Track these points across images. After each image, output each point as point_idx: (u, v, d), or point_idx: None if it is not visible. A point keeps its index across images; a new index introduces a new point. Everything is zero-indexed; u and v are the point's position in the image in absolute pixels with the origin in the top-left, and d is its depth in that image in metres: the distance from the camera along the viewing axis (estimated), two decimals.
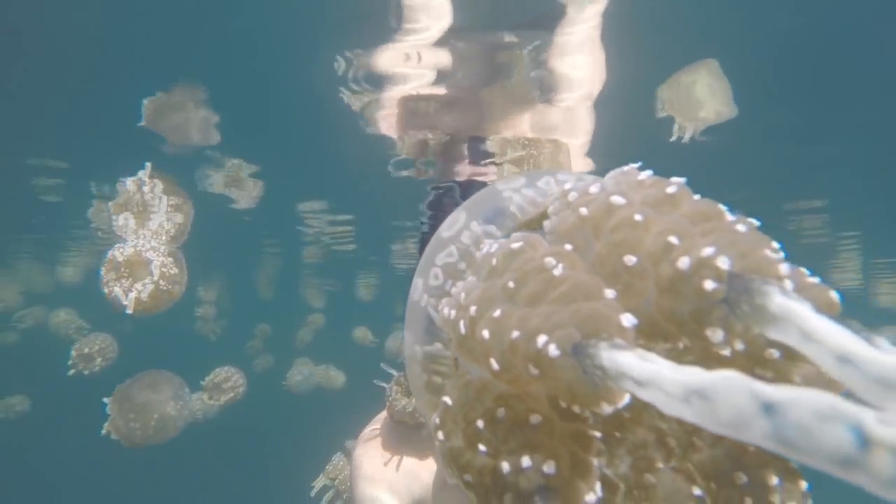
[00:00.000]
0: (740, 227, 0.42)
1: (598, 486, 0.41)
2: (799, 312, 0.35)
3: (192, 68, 3.18)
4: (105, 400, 2.58)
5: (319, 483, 3.32)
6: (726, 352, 0.40)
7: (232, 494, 14.98)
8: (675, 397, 0.33)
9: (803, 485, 0.46)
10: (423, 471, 2.11)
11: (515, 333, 0.39)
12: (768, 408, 0.30)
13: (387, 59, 2.94)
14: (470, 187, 3.82)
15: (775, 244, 0.44)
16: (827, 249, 8.67)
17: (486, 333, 0.41)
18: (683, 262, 0.39)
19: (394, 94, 3.32)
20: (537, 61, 2.86)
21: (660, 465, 0.47)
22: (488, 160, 4.25)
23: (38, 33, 2.97)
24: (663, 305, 0.39)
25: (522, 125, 3.70)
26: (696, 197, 0.49)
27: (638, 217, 0.41)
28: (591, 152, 4.07)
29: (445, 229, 0.69)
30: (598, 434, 0.43)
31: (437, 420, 0.48)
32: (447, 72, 3.03)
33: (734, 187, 5.67)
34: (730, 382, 0.31)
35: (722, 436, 0.36)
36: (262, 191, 5.91)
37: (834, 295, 0.45)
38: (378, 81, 3.19)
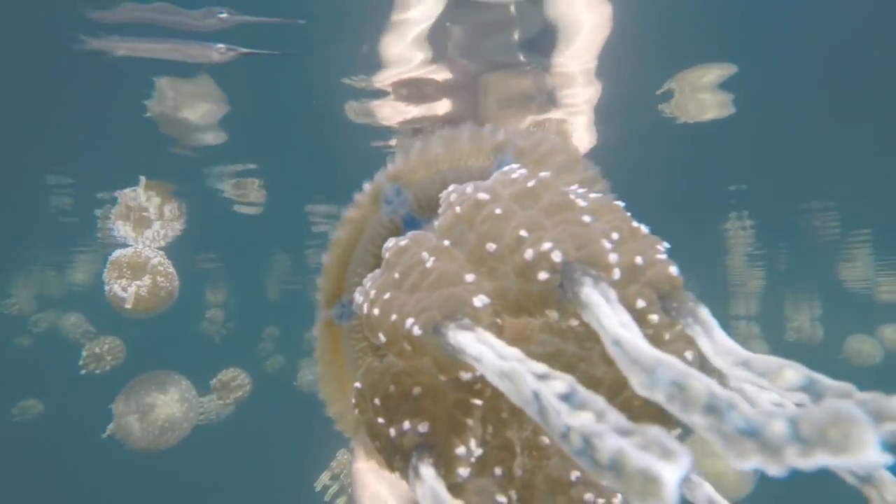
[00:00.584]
0: (586, 218, 0.48)
1: (472, 442, 0.49)
2: (595, 302, 0.42)
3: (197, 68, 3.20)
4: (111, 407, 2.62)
5: (324, 478, 3.32)
6: (573, 324, 0.48)
7: (242, 492, 15.06)
8: (493, 374, 0.40)
9: (678, 432, 0.55)
10: None
11: (394, 316, 0.47)
12: (536, 393, 0.38)
13: (385, 42, 2.92)
14: None
15: (614, 236, 0.49)
16: (839, 245, 8.57)
17: (376, 312, 0.50)
18: (528, 254, 0.46)
19: (391, 76, 3.30)
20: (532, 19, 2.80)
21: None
22: None
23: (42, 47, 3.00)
24: (520, 288, 0.47)
25: (523, 111, 3.66)
26: (572, 187, 0.56)
27: (498, 210, 0.49)
28: (591, 127, 4.00)
29: None
30: (479, 402, 0.51)
31: (353, 400, 0.56)
32: (445, 53, 3.01)
33: (742, 179, 5.61)
34: (517, 369, 0.39)
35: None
36: (265, 196, 5.94)
37: (671, 270, 0.51)
38: (375, 66, 3.17)
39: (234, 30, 2.66)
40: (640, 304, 0.48)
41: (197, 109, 3.72)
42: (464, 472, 0.49)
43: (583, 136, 4.10)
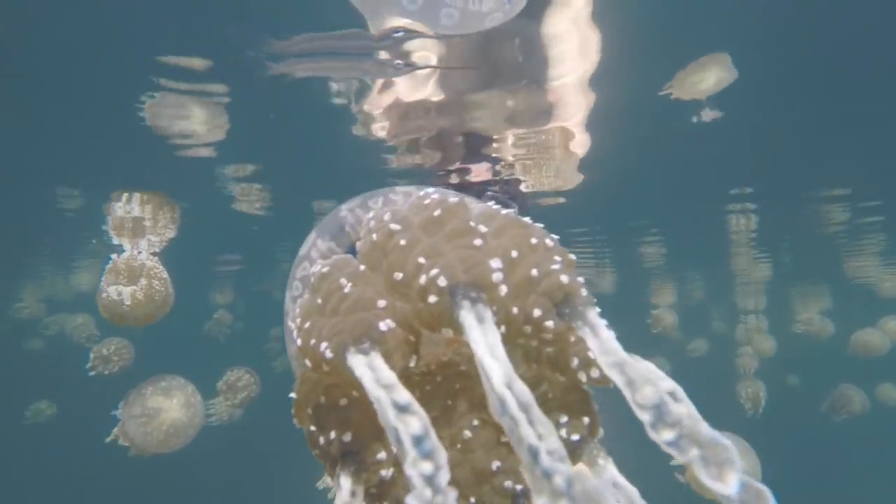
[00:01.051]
0: (477, 242, 0.53)
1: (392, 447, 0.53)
2: (468, 325, 0.48)
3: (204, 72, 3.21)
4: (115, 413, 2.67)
5: (327, 478, 3.35)
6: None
7: (252, 491, 15.16)
8: (371, 397, 0.47)
9: (586, 420, 0.60)
10: None
11: (313, 341, 0.53)
12: (395, 429, 0.46)
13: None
14: (463, 188, 3.82)
15: (513, 253, 0.54)
16: (852, 237, 8.49)
17: (299, 342, 0.55)
18: (422, 280, 0.52)
19: (383, 100, 3.32)
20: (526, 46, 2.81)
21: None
22: (484, 160, 4.20)
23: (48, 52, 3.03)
24: (423, 309, 0.52)
25: (515, 118, 3.65)
26: (478, 207, 0.61)
27: (403, 242, 0.54)
28: (590, 127, 3.97)
29: (301, 247, 0.81)
30: None
31: (293, 411, 0.61)
32: (437, 75, 3.02)
33: (750, 172, 5.57)
34: (383, 400, 0.47)
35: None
36: (268, 199, 5.96)
37: (562, 279, 0.55)
38: (366, 89, 3.19)
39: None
40: (537, 312, 0.53)
41: (196, 118, 3.74)
42: (386, 472, 0.55)
43: (581, 139, 4.10)
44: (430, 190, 0.63)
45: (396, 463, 0.55)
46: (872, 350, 8.91)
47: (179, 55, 2.96)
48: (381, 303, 0.53)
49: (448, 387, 0.59)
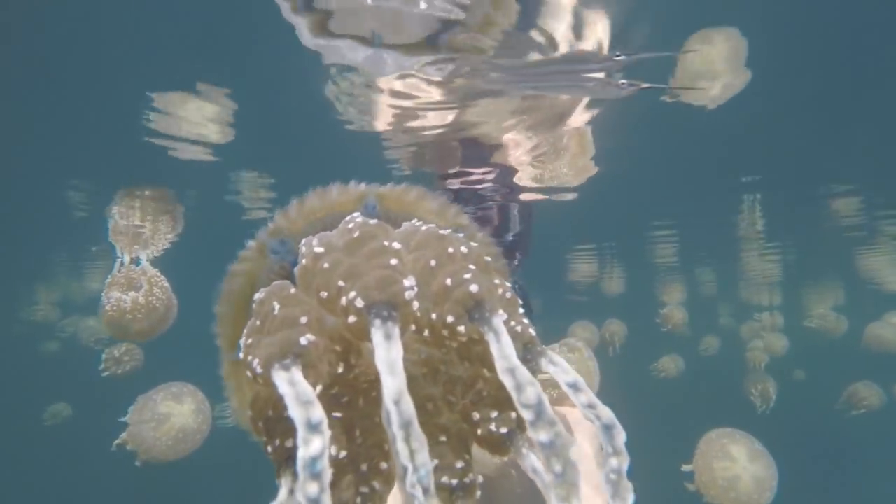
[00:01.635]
0: (393, 262, 0.61)
1: (332, 448, 0.62)
2: (376, 341, 0.56)
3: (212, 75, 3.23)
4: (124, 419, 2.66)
5: None
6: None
7: (262, 488, 15.25)
8: (290, 412, 0.54)
9: (513, 415, 0.65)
10: None
11: (249, 358, 0.59)
12: (310, 427, 0.54)
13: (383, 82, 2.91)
14: (462, 193, 3.78)
15: (432, 263, 0.62)
16: (867, 233, 8.38)
17: (240, 355, 0.62)
18: (343, 301, 0.60)
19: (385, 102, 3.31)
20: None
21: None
22: (483, 166, 4.14)
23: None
24: (348, 326, 0.60)
25: (517, 122, 3.61)
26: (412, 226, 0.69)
27: (326, 265, 0.62)
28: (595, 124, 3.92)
29: None
30: (339, 414, 0.65)
31: (249, 426, 0.68)
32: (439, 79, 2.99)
33: (760, 165, 5.49)
34: (298, 418, 0.53)
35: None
36: (274, 198, 5.98)
37: (472, 288, 0.61)
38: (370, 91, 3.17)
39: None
40: (450, 319, 0.61)
41: (200, 122, 3.76)
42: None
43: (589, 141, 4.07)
44: (356, 215, 0.70)
45: (333, 463, 0.63)
46: (885, 344, 8.78)
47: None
48: (304, 319, 0.60)
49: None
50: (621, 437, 0.59)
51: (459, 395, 0.66)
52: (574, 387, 0.60)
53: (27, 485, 14.94)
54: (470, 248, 0.66)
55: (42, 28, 2.79)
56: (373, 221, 0.66)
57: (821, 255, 10.06)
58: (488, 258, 0.68)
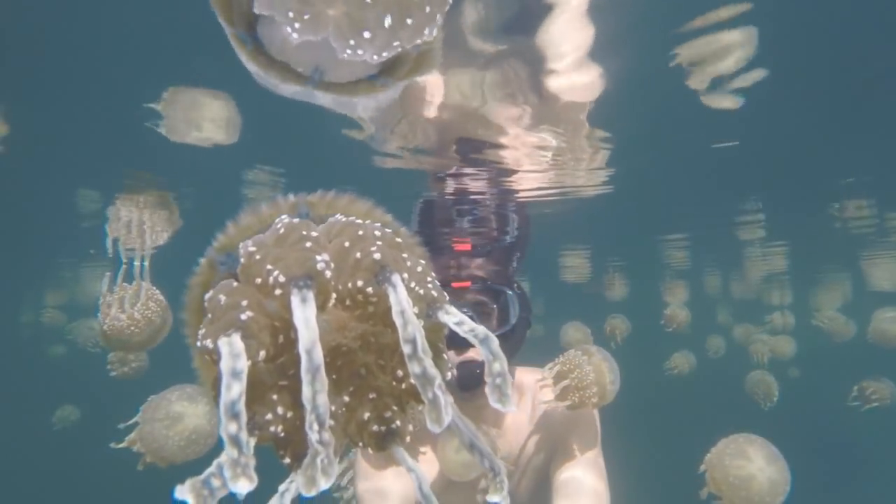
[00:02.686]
0: (308, 244, 0.75)
1: (279, 408, 0.73)
2: (293, 305, 0.70)
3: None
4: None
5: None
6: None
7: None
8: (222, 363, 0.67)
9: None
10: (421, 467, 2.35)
11: (204, 342, 0.70)
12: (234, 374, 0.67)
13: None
14: (460, 195, 3.72)
15: (346, 243, 0.76)
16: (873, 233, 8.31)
17: (199, 344, 0.73)
18: (270, 280, 0.73)
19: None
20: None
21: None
22: (481, 166, 4.06)
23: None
24: (278, 301, 0.73)
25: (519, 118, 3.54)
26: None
27: (258, 256, 0.75)
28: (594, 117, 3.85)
29: None
30: (285, 382, 0.76)
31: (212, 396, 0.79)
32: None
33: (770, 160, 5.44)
34: (227, 398, 0.64)
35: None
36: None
37: (376, 256, 0.75)
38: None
39: None
40: (360, 283, 0.75)
41: (209, 124, 3.76)
42: (276, 429, 0.73)
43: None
44: (284, 217, 0.82)
45: (284, 422, 0.73)
46: (890, 339, 8.67)
47: None
48: (244, 302, 0.72)
49: (332, 364, 0.77)
50: (495, 343, 0.72)
51: (388, 359, 0.79)
52: (459, 324, 0.74)
53: (38, 490, 15.01)
54: (383, 232, 0.79)
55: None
56: (297, 220, 0.79)
57: (828, 252, 9.99)
58: (400, 240, 0.80)
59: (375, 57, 0.77)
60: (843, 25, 2.92)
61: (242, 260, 0.77)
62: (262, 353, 0.70)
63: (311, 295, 0.69)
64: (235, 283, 0.76)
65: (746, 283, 13.41)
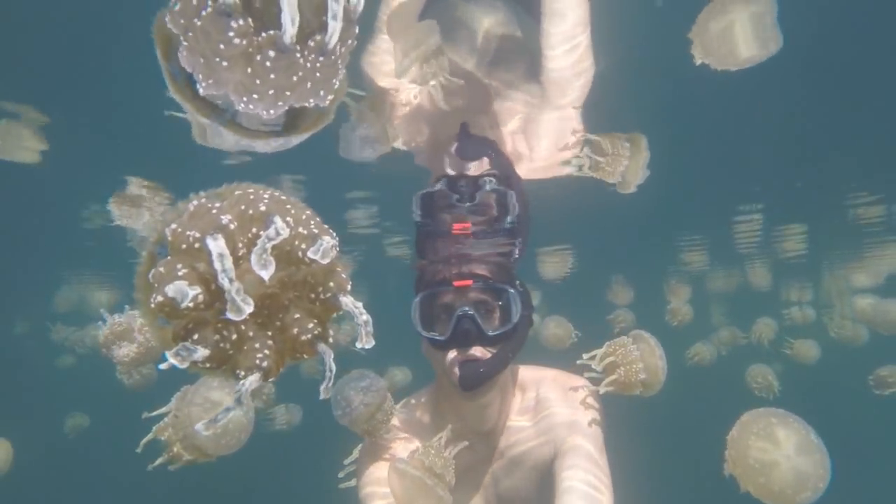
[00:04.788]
0: (214, 212, 0.97)
1: (212, 335, 0.95)
2: (210, 249, 0.92)
3: None
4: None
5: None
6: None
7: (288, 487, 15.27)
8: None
9: (331, 284, 1.03)
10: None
11: (150, 304, 0.94)
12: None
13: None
14: (460, 181, 3.60)
15: (242, 208, 0.98)
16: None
17: (150, 305, 0.95)
18: (190, 239, 0.94)
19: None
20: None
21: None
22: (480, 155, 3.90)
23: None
24: (198, 255, 0.94)
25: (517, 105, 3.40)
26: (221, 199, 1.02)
27: (178, 230, 0.95)
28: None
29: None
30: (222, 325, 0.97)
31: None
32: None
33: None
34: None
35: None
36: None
37: (262, 208, 0.99)
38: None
39: None
40: (255, 230, 0.95)
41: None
42: (223, 345, 0.96)
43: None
44: (194, 200, 1.00)
45: (227, 341, 0.95)
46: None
47: None
48: (179, 265, 0.92)
49: (263, 306, 0.98)
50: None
51: (302, 290, 1.00)
52: (335, 247, 0.96)
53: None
54: (271, 194, 1.00)
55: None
56: (204, 199, 0.99)
57: (842, 248, 9.89)
58: (284, 198, 1.01)
59: (264, 114, 1.00)
60: None
61: (170, 238, 0.94)
62: (200, 297, 0.89)
63: (220, 237, 0.90)
64: (169, 258, 0.95)
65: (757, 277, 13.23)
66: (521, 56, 2.95)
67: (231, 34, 0.87)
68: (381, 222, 7.30)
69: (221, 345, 0.93)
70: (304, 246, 0.94)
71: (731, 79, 2.51)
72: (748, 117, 4.39)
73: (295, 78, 0.94)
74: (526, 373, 2.72)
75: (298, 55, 0.92)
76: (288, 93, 0.96)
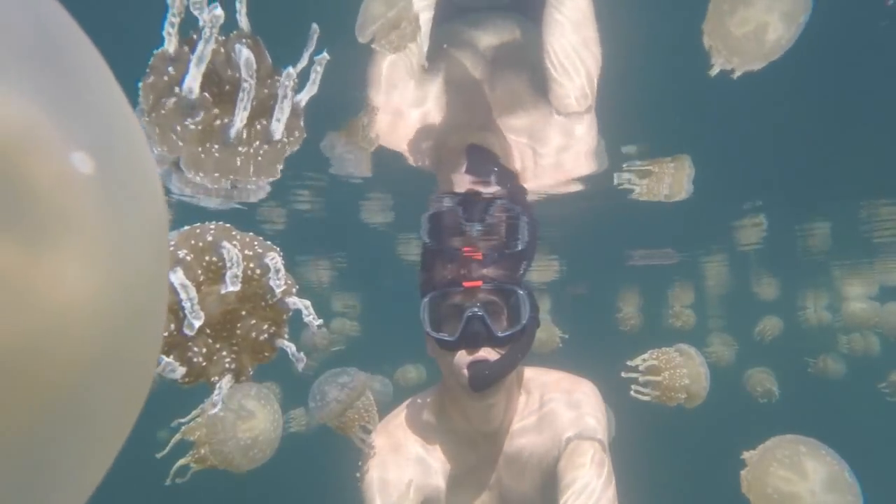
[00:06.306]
0: (170, 246, 1.07)
1: (195, 349, 1.07)
2: (171, 279, 1.02)
3: None
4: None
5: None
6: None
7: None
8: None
9: (277, 290, 1.11)
10: (428, 458, 2.49)
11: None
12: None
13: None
14: (469, 203, 3.45)
15: (183, 251, 1.08)
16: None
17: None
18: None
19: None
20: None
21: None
22: (490, 174, 3.69)
23: None
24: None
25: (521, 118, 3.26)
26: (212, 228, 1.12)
27: (171, 245, 1.08)
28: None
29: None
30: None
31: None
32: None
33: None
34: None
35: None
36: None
37: (208, 238, 1.10)
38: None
39: None
40: (209, 258, 1.08)
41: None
42: (197, 360, 1.07)
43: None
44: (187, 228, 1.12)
45: (201, 356, 1.07)
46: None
47: None
48: (180, 269, 1.05)
49: (226, 320, 1.10)
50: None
51: (256, 301, 1.12)
52: (273, 261, 1.08)
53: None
54: (217, 226, 1.11)
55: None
56: (187, 227, 1.11)
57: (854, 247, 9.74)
58: (230, 227, 1.13)
59: (209, 185, 1.16)
60: None
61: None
62: (172, 326, 1.02)
63: (180, 271, 1.02)
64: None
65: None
66: (525, 68, 2.89)
67: (188, 122, 1.04)
68: (396, 220, 7.11)
69: (195, 360, 1.05)
70: (252, 265, 1.08)
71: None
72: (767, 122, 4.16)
73: (239, 161, 1.11)
74: (531, 374, 2.73)
75: (242, 147, 1.10)
76: (231, 175, 1.13)
